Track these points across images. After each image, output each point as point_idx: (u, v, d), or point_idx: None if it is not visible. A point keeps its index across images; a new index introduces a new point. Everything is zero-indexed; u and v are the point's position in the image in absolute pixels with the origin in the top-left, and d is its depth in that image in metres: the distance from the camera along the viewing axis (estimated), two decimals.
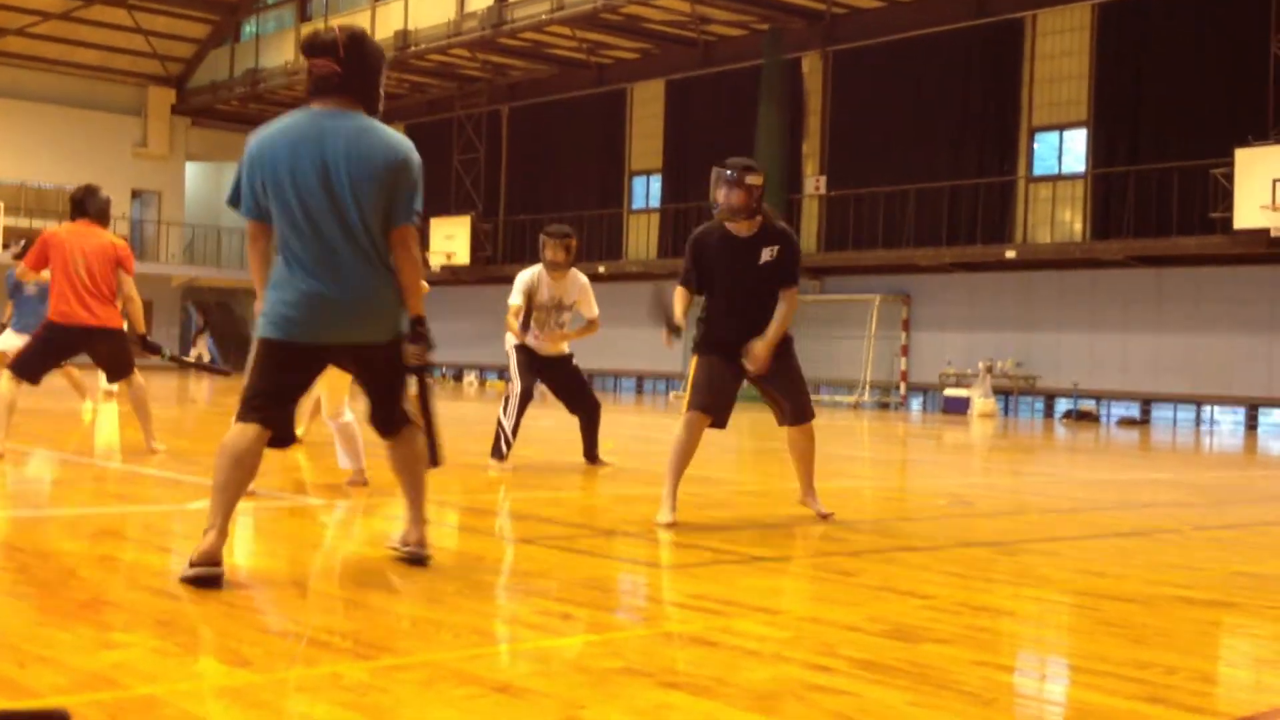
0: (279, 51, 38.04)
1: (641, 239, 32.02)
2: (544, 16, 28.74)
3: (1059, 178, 24.93)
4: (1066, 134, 24.89)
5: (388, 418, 4.75)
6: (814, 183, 27.96)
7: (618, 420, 16.62)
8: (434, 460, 4.84)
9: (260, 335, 4.53)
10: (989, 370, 24.71)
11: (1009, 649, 4.01)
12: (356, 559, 5.26)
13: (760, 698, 3.11)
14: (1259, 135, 20.61)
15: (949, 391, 25.24)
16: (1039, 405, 25.45)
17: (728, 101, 29.28)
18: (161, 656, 3.30)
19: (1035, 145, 25.33)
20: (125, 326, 8.93)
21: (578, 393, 9.40)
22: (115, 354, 8.89)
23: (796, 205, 27.61)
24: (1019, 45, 25.23)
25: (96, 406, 14.59)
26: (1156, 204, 22.61)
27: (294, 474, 8.12)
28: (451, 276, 32.96)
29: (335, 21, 35.91)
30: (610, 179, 32.88)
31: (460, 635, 3.72)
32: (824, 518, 6.68)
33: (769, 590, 4.80)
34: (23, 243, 12.67)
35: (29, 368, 8.56)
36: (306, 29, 37.22)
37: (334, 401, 7.46)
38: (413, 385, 4.72)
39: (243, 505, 6.35)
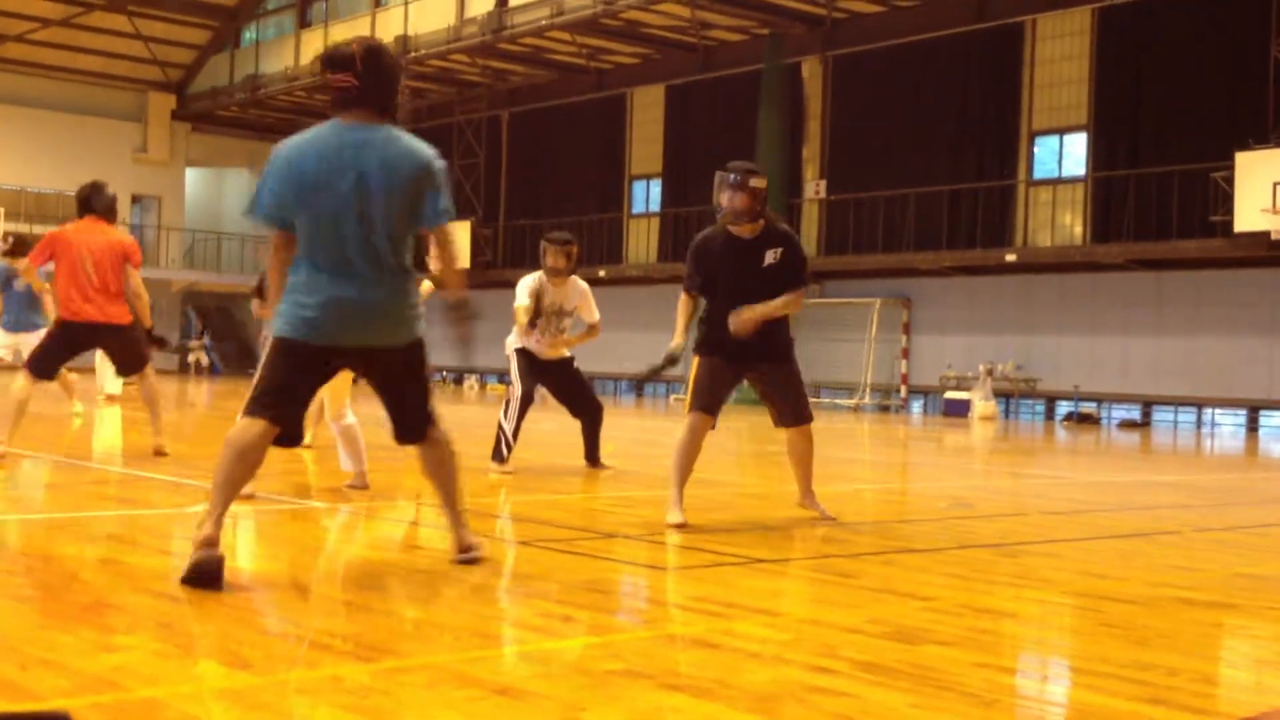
0: (279, 57, 38.06)
1: (641, 243, 32.03)
2: (544, 22, 28.76)
3: (1059, 181, 24.94)
4: (1066, 138, 24.91)
5: (410, 423, 4.82)
6: (814, 187, 27.97)
7: (618, 423, 16.61)
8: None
9: (276, 334, 4.59)
10: (989, 373, 24.72)
11: (1010, 651, 4.01)
12: (358, 562, 5.26)
13: (761, 700, 3.11)
14: (1259, 138, 20.62)
15: (949, 394, 25.24)
16: (1039, 408, 25.46)
17: (728, 106, 29.29)
18: (162, 659, 3.30)
19: (1035, 149, 25.34)
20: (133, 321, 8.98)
21: (579, 396, 9.41)
22: (126, 349, 8.96)
23: (797, 209, 27.62)
24: (1019, 49, 25.25)
25: (95, 408, 14.57)
26: (1157, 207, 22.62)
27: (295, 477, 8.12)
28: None
29: (335, 26, 35.98)
30: (610, 184, 32.90)
31: (461, 637, 3.72)
32: (826, 519, 6.68)
33: (770, 592, 4.80)
34: (10, 239, 12.69)
35: (44, 366, 8.66)
36: (307, 35, 37.29)
37: (336, 404, 7.47)
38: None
39: (244, 508, 6.35)
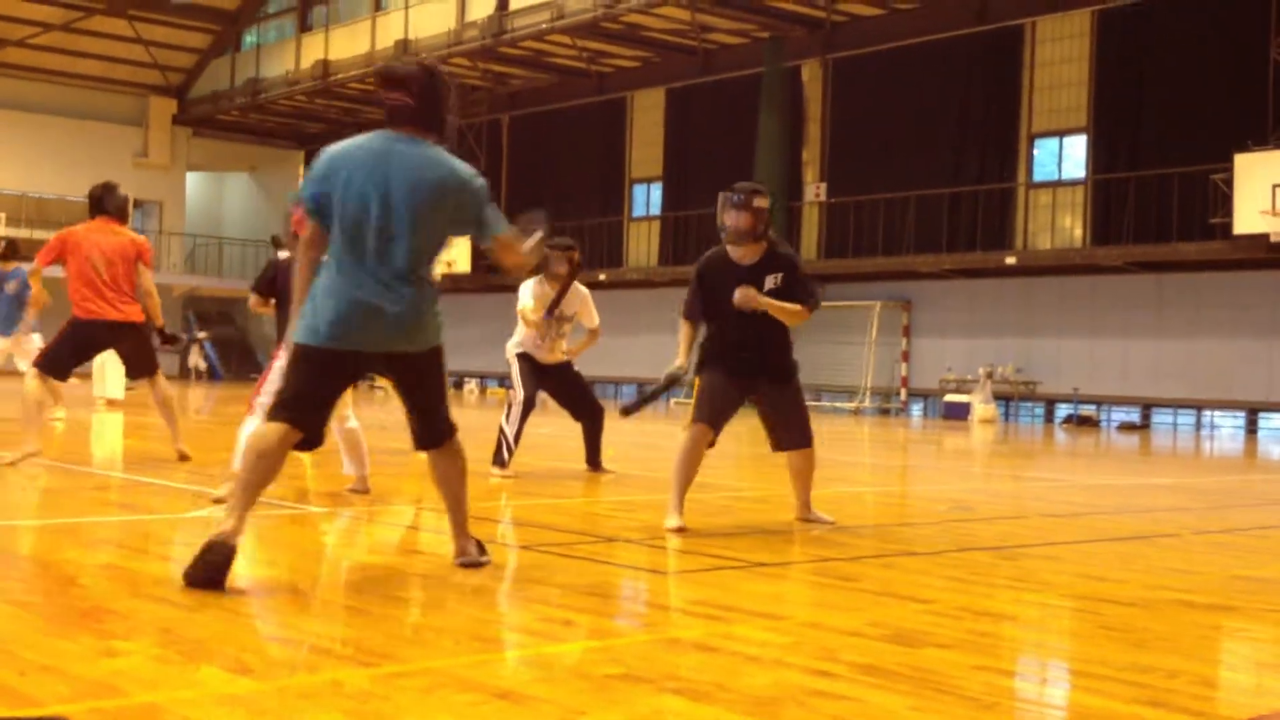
0: (280, 61, 38.09)
1: (642, 247, 32.04)
2: (544, 25, 28.78)
3: (1059, 184, 24.96)
4: (1066, 140, 24.92)
5: (429, 430, 4.92)
6: (814, 190, 27.98)
7: (618, 427, 16.61)
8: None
9: (298, 340, 4.66)
10: (989, 376, 24.72)
11: (1010, 654, 4.01)
12: (358, 566, 5.26)
13: (761, 703, 3.11)
14: (1258, 140, 20.63)
15: (949, 397, 25.25)
16: (1039, 411, 25.46)
17: (728, 109, 29.30)
18: (163, 664, 3.30)
19: (1035, 151, 25.36)
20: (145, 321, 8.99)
21: (580, 399, 9.42)
22: (138, 350, 8.99)
23: (797, 212, 27.63)
24: (1019, 52, 25.27)
25: (94, 412, 14.58)
26: (1156, 210, 22.63)
27: (296, 482, 8.12)
28: (452, 285, 32.95)
29: (336, 30, 36.01)
30: (610, 187, 32.91)
31: (461, 642, 3.72)
32: (826, 524, 6.69)
33: (770, 596, 4.81)
34: (2, 244, 12.72)
35: (56, 365, 8.67)
36: (307, 39, 37.33)
37: (338, 408, 7.46)
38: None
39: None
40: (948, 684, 3.35)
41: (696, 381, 6.65)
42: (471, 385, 34.40)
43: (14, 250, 12.78)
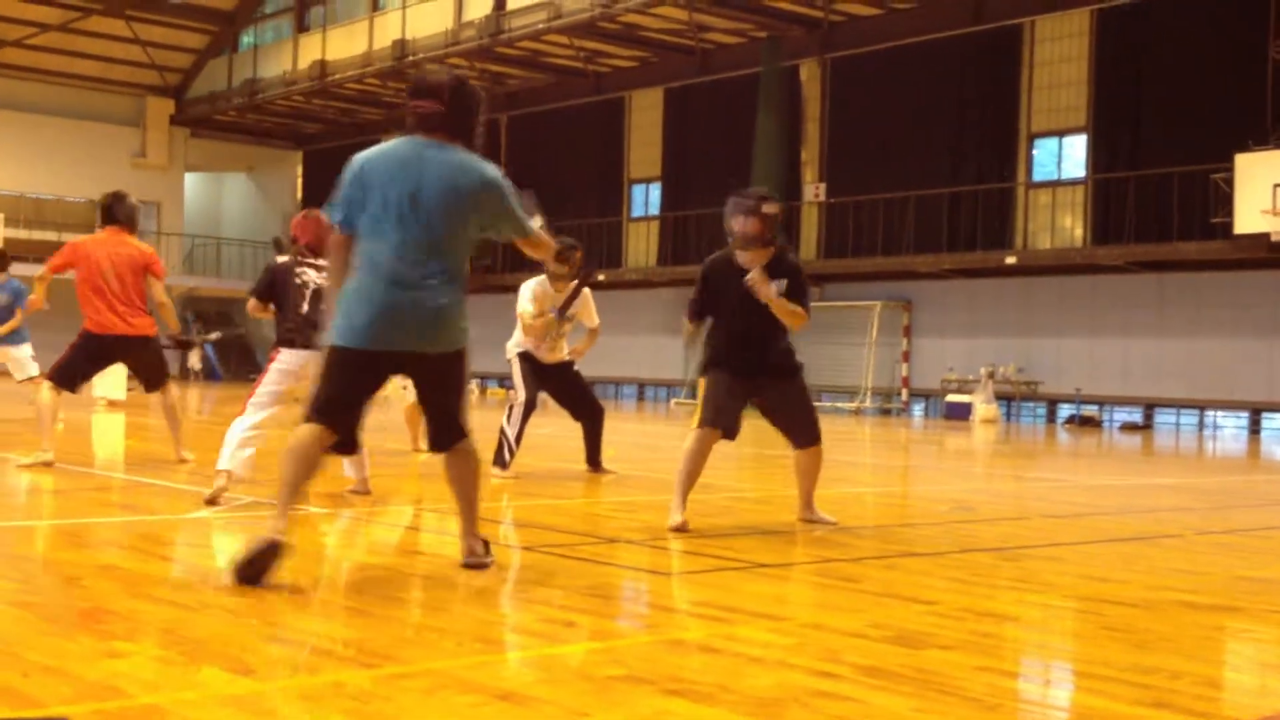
0: (277, 61, 38.08)
1: (641, 247, 32.03)
2: (542, 25, 28.77)
3: (1059, 183, 24.96)
4: (1066, 140, 24.92)
5: (443, 432, 5.00)
6: (813, 190, 27.98)
7: (619, 428, 16.61)
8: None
9: (333, 342, 4.77)
10: (990, 376, 24.72)
11: (1012, 655, 4.01)
12: (359, 567, 5.26)
13: (764, 705, 3.11)
14: (1259, 140, 20.62)
15: (951, 397, 25.25)
16: (1041, 411, 25.46)
17: (726, 109, 29.30)
18: (164, 665, 3.29)
19: (1035, 151, 25.36)
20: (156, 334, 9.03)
21: (580, 399, 9.42)
22: (151, 363, 9.06)
23: (796, 212, 27.62)
24: (1018, 51, 25.27)
25: (93, 413, 14.57)
26: (1157, 209, 22.63)
27: None
28: None
29: (333, 30, 36.00)
30: (609, 187, 32.90)
31: (463, 643, 3.71)
32: (827, 524, 6.68)
33: (772, 597, 4.80)
34: None
35: (67, 377, 8.72)
36: (304, 39, 37.31)
37: None
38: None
39: (244, 514, 6.36)
40: (950, 685, 3.34)
41: (702, 383, 6.65)
42: (471, 385, 34.36)
43: (5, 261, 12.79)
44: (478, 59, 31.35)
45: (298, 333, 6.92)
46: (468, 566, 4.94)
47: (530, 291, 9.15)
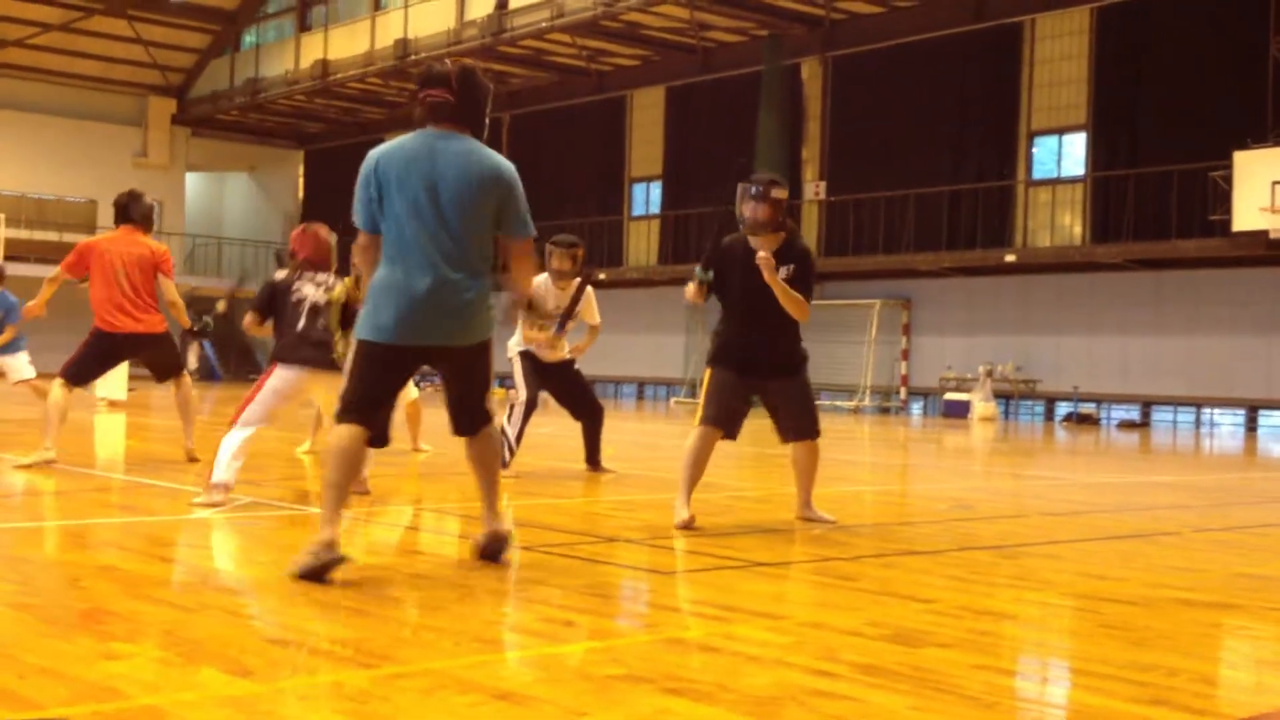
0: (279, 61, 38.08)
1: (642, 245, 32.03)
2: (544, 24, 28.78)
3: (1058, 181, 24.96)
4: (1066, 138, 24.92)
5: (469, 417, 5.09)
6: (814, 188, 27.98)
7: (619, 427, 16.61)
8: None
9: (362, 338, 4.83)
10: (989, 374, 24.72)
11: (1010, 653, 4.01)
12: (358, 567, 5.26)
13: (762, 703, 3.11)
14: (1258, 138, 20.62)
15: (949, 395, 25.25)
16: (1039, 409, 25.46)
17: (727, 108, 29.31)
18: (163, 666, 3.30)
19: (1034, 149, 25.35)
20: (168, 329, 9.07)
21: (580, 398, 9.42)
22: (163, 359, 9.10)
23: (796, 211, 27.62)
24: (1018, 49, 25.27)
25: (95, 413, 14.57)
26: (1156, 207, 22.63)
27: (295, 482, 8.13)
28: None
29: (335, 30, 36.00)
30: (610, 186, 32.90)
31: (462, 643, 3.72)
32: (826, 524, 6.69)
33: (770, 596, 4.81)
34: None
35: (79, 375, 8.77)
36: (306, 39, 37.31)
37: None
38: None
39: (244, 514, 6.37)
40: (948, 683, 3.35)
41: (705, 379, 6.65)
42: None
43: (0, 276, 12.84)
44: (480, 58, 31.29)
45: (293, 349, 6.88)
46: (483, 558, 5.04)
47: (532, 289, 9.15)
